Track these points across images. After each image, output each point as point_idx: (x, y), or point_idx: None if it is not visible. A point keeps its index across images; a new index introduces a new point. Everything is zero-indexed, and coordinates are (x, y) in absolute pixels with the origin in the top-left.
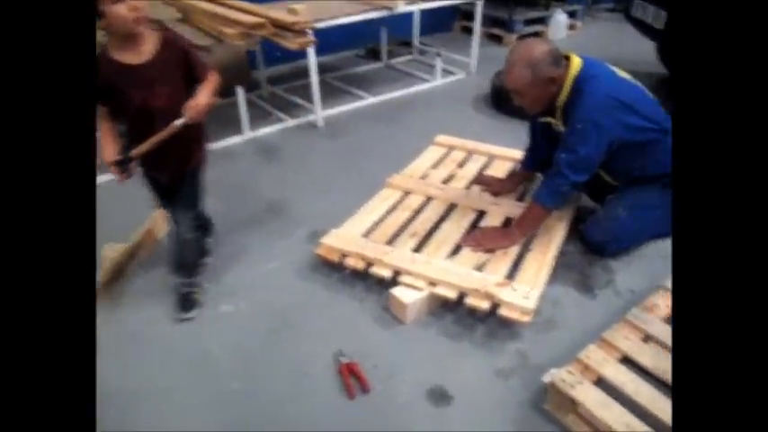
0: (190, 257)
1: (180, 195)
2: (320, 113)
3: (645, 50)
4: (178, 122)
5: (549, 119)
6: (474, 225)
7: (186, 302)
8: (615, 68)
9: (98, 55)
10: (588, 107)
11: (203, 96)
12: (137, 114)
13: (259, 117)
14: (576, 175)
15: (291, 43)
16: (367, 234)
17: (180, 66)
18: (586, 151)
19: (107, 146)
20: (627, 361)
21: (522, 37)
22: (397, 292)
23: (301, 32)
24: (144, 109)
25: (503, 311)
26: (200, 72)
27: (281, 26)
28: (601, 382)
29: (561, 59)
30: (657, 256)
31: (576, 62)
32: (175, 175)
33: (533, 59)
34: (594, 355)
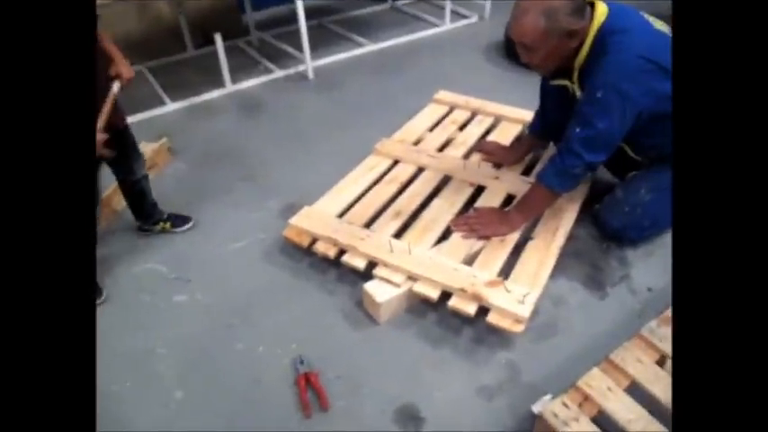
0: (151, 192)
1: (124, 140)
2: (310, 64)
3: None
4: (116, 88)
5: (564, 81)
6: (470, 203)
7: (180, 217)
8: (650, 18)
9: None
10: (612, 70)
11: (119, 54)
12: None
13: (246, 67)
14: (591, 154)
15: None
16: (345, 212)
17: None
18: (607, 126)
19: None
20: (637, 388)
21: None
22: (370, 287)
23: None
24: None
25: (492, 318)
26: None
27: None
28: (603, 416)
29: (585, 8)
30: None
31: (602, 10)
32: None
33: (550, 6)
34: (597, 383)
